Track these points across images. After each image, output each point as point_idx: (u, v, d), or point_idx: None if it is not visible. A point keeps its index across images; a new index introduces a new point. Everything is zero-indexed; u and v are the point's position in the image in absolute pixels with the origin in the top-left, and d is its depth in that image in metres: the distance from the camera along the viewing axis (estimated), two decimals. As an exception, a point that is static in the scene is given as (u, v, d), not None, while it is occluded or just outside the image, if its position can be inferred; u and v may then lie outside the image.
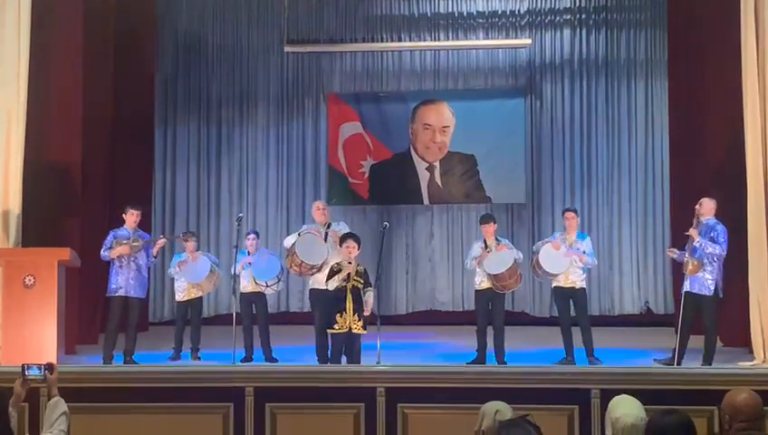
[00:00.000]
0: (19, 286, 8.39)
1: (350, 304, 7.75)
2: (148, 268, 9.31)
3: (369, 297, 7.94)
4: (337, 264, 7.96)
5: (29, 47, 8.96)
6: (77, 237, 9.56)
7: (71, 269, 9.03)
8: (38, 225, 9.22)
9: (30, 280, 8.41)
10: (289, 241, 9.05)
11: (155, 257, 9.31)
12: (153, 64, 12.79)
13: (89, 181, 10.43)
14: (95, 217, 10.54)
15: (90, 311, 10.46)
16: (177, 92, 13.48)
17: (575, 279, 9.00)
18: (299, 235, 8.97)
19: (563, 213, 9.50)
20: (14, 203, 8.94)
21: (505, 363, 8.78)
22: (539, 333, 11.30)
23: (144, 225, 10.28)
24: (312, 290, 9.01)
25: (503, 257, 8.86)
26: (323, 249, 8.56)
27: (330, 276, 7.91)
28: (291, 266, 8.92)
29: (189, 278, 9.44)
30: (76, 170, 9.97)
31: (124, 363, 8.79)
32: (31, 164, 9.07)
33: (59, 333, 8.52)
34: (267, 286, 9.35)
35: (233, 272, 9.14)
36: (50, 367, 4.66)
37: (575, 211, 9.49)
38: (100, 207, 10.95)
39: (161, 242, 9.35)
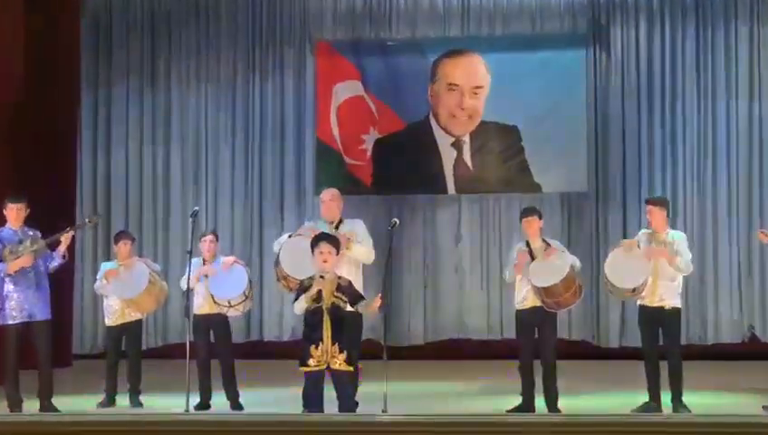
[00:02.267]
0: None
1: (327, 332, 7.70)
2: (50, 275, 9.18)
3: (363, 306, 7.90)
4: (308, 278, 7.90)
5: None
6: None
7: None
8: None
9: None
10: (278, 244, 9.06)
11: (64, 258, 9.23)
12: (77, 8, 12.83)
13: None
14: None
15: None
16: (110, 41, 13.47)
17: (665, 296, 8.90)
18: (290, 237, 8.95)
19: (646, 204, 9.42)
20: None
21: (560, 411, 8.77)
22: (605, 369, 11.22)
23: (69, 222, 10.30)
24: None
25: (554, 264, 8.82)
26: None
27: (296, 296, 7.87)
28: (278, 280, 8.92)
29: (121, 293, 9.42)
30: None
31: (40, 411, 8.76)
32: None
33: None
34: (230, 307, 9.32)
35: (185, 286, 9.12)
36: None
37: (662, 202, 9.38)
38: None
39: (68, 236, 9.16)
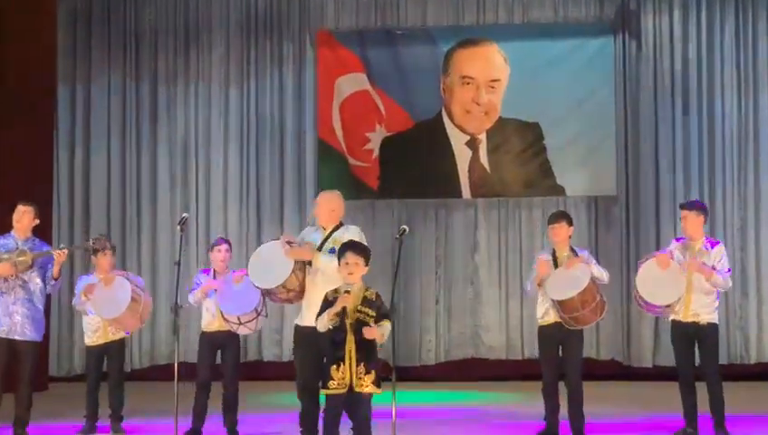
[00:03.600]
0: None
1: (351, 351, 7.64)
2: (48, 296, 9.25)
3: (382, 328, 7.82)
4: (333, 291, 7.85)
5: None
6: None
7: None
8: None
9: None
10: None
11: (56, 280, 9.23)
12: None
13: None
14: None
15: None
16: (90, 31, 13.48)
17: (700, 311, 8.80)
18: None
19: (680, 209, 9.33)
20: None
21: (586, 438, 8.75)
22: (637, 391, 11.17)
23: (42, 229, 10.22)
24: (296, 327, 8.86)
25: (573, 275, 8.74)
26: (281, 266, 8.41)
27: (320, 311, 7.79)
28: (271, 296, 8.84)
29: (102, 311, 9.37)
30: None
31: (12, 440, 8.76)
32: None
33: None
34: (240, 324, 9.26)
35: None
36: None
37: (698, 207, 9.29)
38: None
39: (62, 255, 9.21)
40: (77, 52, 13.46)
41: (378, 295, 7.62)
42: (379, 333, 7.50)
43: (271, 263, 8.23)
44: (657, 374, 11.97)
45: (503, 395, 11.15)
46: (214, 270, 9.27)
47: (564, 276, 8.69)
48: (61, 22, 13.16)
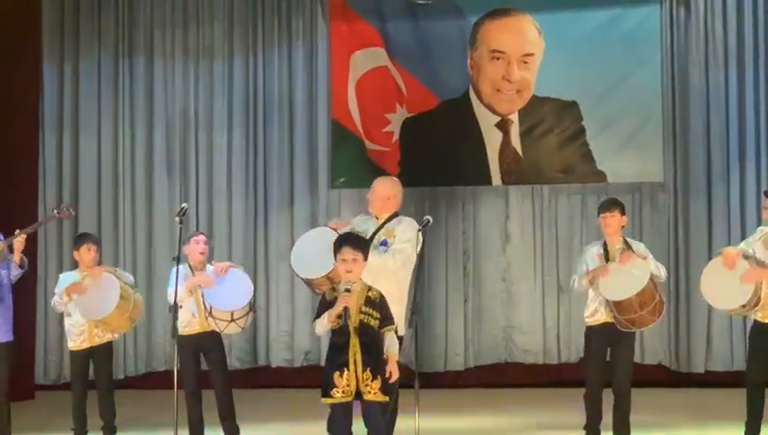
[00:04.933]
0: None
1: (355, 355, 7.61)
2: (12, 288, 9.18)
3: (392, 345, 7.79)
4: (332, 290, 7.79)
5: None
6: None
7: None
8: None
9: None
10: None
11: (21, 268, 9.19)
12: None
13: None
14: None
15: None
16: (78, 4, 13.44)
17: None
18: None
19: (765, 195, 9.23)
20: None
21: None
22: (686, 399, 11.14)
23: (30, 219, 10.26)
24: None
25: (630, 273, 8.69)
26: (327, 258, 8.41)
27: (318, 313, 7.76)
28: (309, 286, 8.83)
29: (87, 312, 9.35)
30: None
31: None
32: None
33: None
34: (232, 320, 9.23)
35: (172, 300, 9.05)
36: None
37: None
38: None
39: (20, 239, 9.03)
40: (63, 26, 13.43)
41: (382, 296, 7.54)
42: (392, 353, 7.52)
43: (315, 252, 8.22)
44: (710, 381, 11.90)
45: (538, 403, 11.08)
46: (189, 265, 9.21)
47: (621, 274, 8.61)
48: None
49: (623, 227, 8.93)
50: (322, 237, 8.25)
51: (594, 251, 8.95)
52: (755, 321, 8.80)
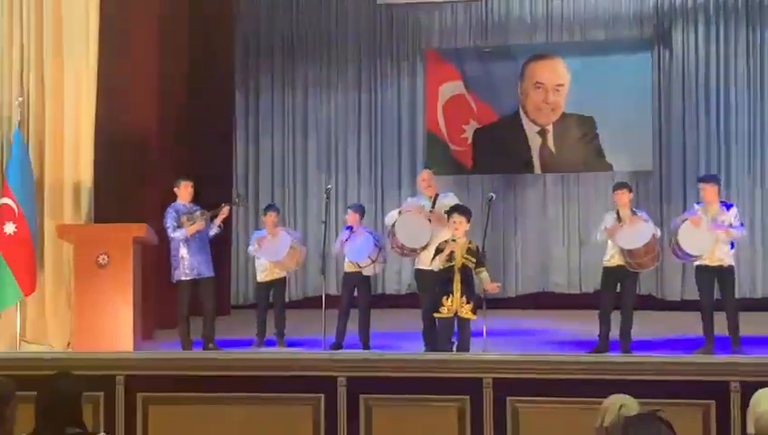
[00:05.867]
0: (92, 266, 8.60)
1: (457, 286, 7.71)
2: (211, 240, 9.32)
3: (485, 278, 7.89)
4: (444, 241, 7.94)
5: (98, 7, 9.13)
6: (152, 212, 9.58)
7: (147, 247, 9.18)
8: (111, 198, 9.43)
9: (103, 259, 8.60)
10: (390, 218, 9.07)
11: (220, 228, 9.32)
12: (232, 26, 13.03)
13: (165, 150, 10.62)
14: (171, 190, 10.72)
15: (168, 292, 10.61)
16: (258, 53, 13.60)
17: (722, 256, 8.72)
18: (399, 213, 8.95)
19: (698, 182, 9.20)
20: (86, 175, 9.18)
21: (630, 353, 8.62)
22: (667, 319, 11.05)
23: (226, 196, 10.42)
24: (416, 271, 9.00)
25: (639, 230, 8.66)
26: (426, 231, 8.50)
27: (434, 255, 7.93)
28: (392, 247, 8.92)
29: (268, 256, 9.49)
30: (150, 138, 10.16)
31: (204, 350, 8.92)
32: (102, 133, 9.27)
33: (135, 316, 8.72)
34: (360, 268, 9.34)
35: (322, 250, 9.18)
36: None
37: (713, 180, 9.14)
38: (176, 178, 11.13)
39: (225, 210, 9.27)
40: (249, 69, 13.59)
41: (477, 248, 7.78)
42: (487, 282, 7.69)
43: (414, 230, 8.34)
44: (681, 306, 11.78)
45: (566, 320, 11.05)
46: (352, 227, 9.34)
47: (633, 231, 8.65)
48: (237, 47, 13.36)
49: (630, 200, 8.94)
50: (415, 221, 8.45)
51: (610, 216, 8.96)
52: (699, 265, 8.90)
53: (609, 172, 12.64)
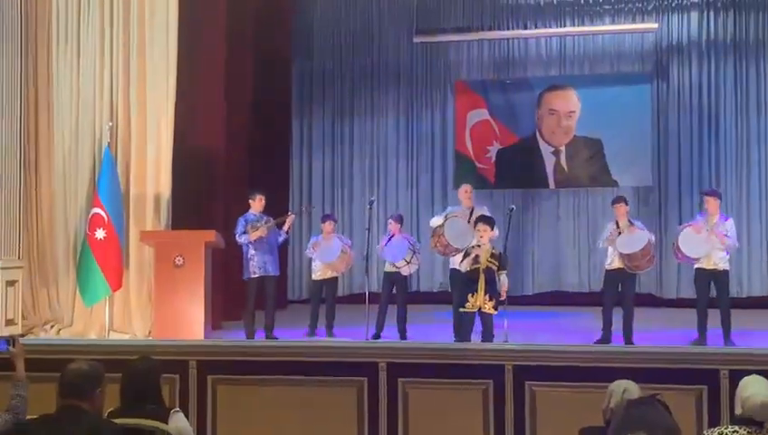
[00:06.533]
0: (169, 266, 8.73)
1: (481, 285, 7.69)
2: (280, 245, 9.38)
3: (504, 282, 7.86)
4: (471, 247, 7.97)
5: (176, 44, 9.26)
6: (221, 220, 9.81)
7: (216, 250, 9.28)
8: (186, 208, 9.53)
9: (179, 260, 8.71)
10: (435, 221, 9.08)
11: (287, 233, 9.40)
12: (289, 60, 13.09)
13: (231, 167, 10.71)
14: (237, 202, 10.79)
15: (234, 289, 10.70)
16: (312, 84, 13.64)
17: (718, 261, 8.66)
18: (446, 217, 8.94)
19: (703, 196, 9.14)
20: (165, 188, 9.30)
21: (632, 343, 8.52)
22: (664, 314, 10.91)
23: (283, 209, 10.46)
24: (451, 270, 9.10)
25: (636, 237, 8.62)
26: (470, 234, 8.51)
27: (462, 258, 7.95)
28: (435, 246, 8.91)
29: (321, 258, 9.51)
30: (219, 157, 10.26)
31: (265, 339, 8.94)
32: (178, 152, 9.38)
33: (206, 309, 8.83)
34: (397, 268, 9.32)
35: (365, 253, 9.18)
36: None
37: (715, 194, 9.07)
38: (242, 191, 11.21)
39: (291, 218, 9.39)
40: (303, 96, 13.62)
41: (500, 253, 7.76)
42: (505, 284, 7.63)
43: (461, 233, 8.35)
44: (678, 304, 11.64)
45: (576, 315, 10.96)
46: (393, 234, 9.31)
47: (630, 238, 8.60)
48: (294, 77, 13.40)
49: (627, 211, 8.87)
50: (461, 225, 8.44)
51: (611, 226, 8.90)
52: (698, 268, 8.78)
53: (614, 187, 12.53)
